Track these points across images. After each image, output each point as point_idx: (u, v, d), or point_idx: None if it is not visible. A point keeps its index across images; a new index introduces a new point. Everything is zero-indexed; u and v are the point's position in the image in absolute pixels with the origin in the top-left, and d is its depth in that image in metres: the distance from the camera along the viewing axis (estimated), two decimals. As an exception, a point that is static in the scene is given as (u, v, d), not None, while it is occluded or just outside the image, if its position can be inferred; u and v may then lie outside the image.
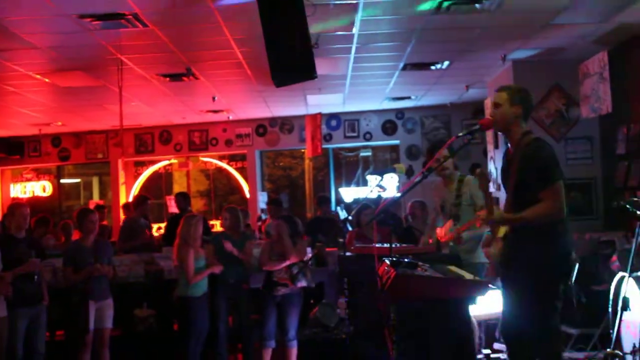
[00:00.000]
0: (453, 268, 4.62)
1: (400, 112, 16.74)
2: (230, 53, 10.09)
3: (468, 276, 4.33)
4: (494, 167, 12.39)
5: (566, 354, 8.02)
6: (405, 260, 4.37)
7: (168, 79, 11.61)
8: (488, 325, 8.15)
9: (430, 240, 7.72)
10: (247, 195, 17.88)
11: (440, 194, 7.56)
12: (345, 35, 9.38)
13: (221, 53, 10.10)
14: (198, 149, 17.73)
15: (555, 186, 4.89)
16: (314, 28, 8.09)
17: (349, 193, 17.05)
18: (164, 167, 18.81)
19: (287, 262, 8.19)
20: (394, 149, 17.64)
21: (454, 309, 5.10)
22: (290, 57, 6.99)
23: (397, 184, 13.46)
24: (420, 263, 4.40)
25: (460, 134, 4.93)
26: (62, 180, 19.50)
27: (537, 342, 5.03)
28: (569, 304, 8.75)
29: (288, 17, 7.00)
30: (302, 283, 8.23)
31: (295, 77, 7.28)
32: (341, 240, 9.72)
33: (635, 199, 6.56)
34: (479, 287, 4.18)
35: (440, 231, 7.35)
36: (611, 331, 6.47)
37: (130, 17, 8.10)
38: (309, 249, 8.88)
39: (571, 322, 8.95)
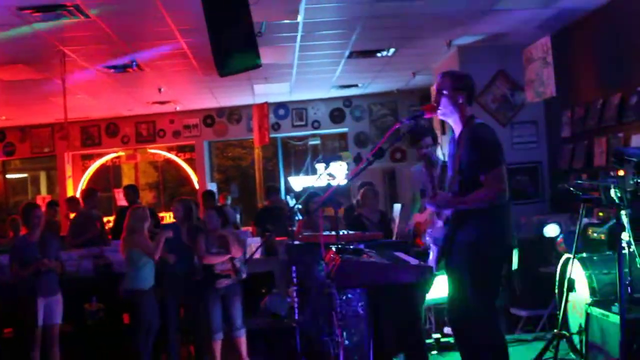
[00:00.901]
0: (400, 254, 4.64)
1: (347, 100, 16.76)
2: (174, 44, 10.01)
3: (413, 262, 4.36)
4: (442, 152, 12.46)
5: (515, 336, 8.11)
6: (351, 247, 4.38)
7: (112, 70, 11.47)
8: (438, 310, 8.21)
9: (407, 229, 7.75)
10: (197, 187, 17.78)
11: (420, 181, 7.56)
12: (290, 23, 9.35)
13: (165, 44, 10.01)
14: (145, 140, 17.57)
15: (497, 170, 4.93)
16: (258, 17, 8.05)
17: (299, 182, 17.04)
18: (112, 159, 18.59)
19: (230, 255, 8.16)
20: (342, 136, 17.66)
21: (400, 294, 5.15)
22: (234, 47, 6.95)
23: (346, 172, 13.49)
24: (365, 249, 4.41)
25: (405, 121, 4.94)
26: (7, 176, 19.19)
27: (479, 325, 5.08)
28: (514, 287, 8.88)
29: (231, 6, 6.96)
30: (244, 274, 8.27)
31: (239, 66, 7.24)
32: (291, 229, 9.71)
33: (580, 181, 6.63)
34: (424, 271, 4.20)
35: (420, 217, 7.37)
36: (558, 312, 6.55)
37: (71, 8, 7.98)
38: (255, 239, 8.87)
39: (520, 304, 9.08)
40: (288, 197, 16.18)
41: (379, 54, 11.75)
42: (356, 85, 15.21)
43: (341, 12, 9.05)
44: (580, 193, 6.39)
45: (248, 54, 7.09)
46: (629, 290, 5.63)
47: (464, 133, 5.08)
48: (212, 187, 17.27)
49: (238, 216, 14.87)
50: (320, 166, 13.32)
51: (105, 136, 17.60)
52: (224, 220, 8.43)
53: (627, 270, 5.72)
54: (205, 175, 17.62)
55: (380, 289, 4.30)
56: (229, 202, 15.23)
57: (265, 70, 11.82)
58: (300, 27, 9.58)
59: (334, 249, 4.27)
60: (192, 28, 9.16)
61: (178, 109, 16.35)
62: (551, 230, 8.56)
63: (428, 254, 5.51)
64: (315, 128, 16.99)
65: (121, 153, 18.33)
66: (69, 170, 17.83)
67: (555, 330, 6.48)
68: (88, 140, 17.64)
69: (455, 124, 5.18)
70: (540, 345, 6.65)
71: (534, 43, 10.28)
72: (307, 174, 18.14)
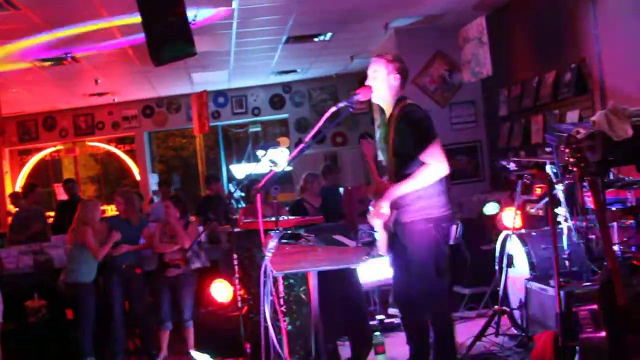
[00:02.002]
0: (338, 237, 4.65)
1: (287, 86, 16.72)
2: (109, 34, 9.87)
3: (352, 244, 4.37)
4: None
5: (459, 314, 8.20)
6: (288, 231, 4.38)
7: (47, 63, 11.28)
8: (382, 291, 8.27)
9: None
10: (138, 178, 17.61)
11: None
12: (225, 10, 9.28)
13: (100, 34, 9.86)
14: (84, 133, 17.31)
15: (433, 146, 4.97)
16: (192, 5, 7.98)
17: (240, 169, 16.98)
18: (51, 154, 18.28)
19: (179, 246, 8.11)
20: (283, 122, 17.62)
21: (341, 276, 5.17)
22: (168, 36, 6.89)
23: (294, 158, 13.44)
24: (305, 234, 4.42)
25: (340, 105, 4.94)
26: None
27: (426, 304, 5.13)
28: (457, 265, 8.96)
29: (164, -6, 6.90)
30: (197, 264, 8.22)
31: (174, 55, 7.17)
32: (234, 217, 9.69)
33: (516, 158, 6.70)
34: (362, 254, 4.21)
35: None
36: (499, 289, 6.63)
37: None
38: (201, 229, 8.80)
39: (463, 283, 9.17)
40: (230, 185, 16.13)
41: (316, 39, 11.73)
42: (295, 71, 15.17)
43: (276, -3, 9.03)
44: (515, 170, 6.46)
45: (182, 43, 7.02)
46: (567, 264, 5.72)
47: (395, 114, 5.11)
48: (154, 178, 17.13)
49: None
50: (261, 153, 13.29)
51: (43, 130, 17.29)
52: (183, 210, 8.37)
53: (564, 244, 5.82)
54: (147, 166, 17.44)
55: (321, 272, 4.31)
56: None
57: (203, 59, 11.73)
58: (235, 14, 9.51)
59: (272, 234, 4.27)
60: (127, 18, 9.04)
61: (116, 100, 16.14)
62: (491, 208, 8.65)
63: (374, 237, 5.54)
64: (256, 115, 16.90)
65: (60, 147, 18.04)
66: (6, 166, 17.49)
67: (496, 307, 6.56)
68: (25, 135, 17.31)
69: (386, 106, 5.21)
70: (483, 322, 6.72)
71: (470, 23, 10.36)
72: (248, 161, 18.10)
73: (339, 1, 9.45)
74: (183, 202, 8.49)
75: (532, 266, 6.30)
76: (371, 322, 7.31)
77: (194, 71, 13.47)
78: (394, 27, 11.27)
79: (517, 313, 6.63)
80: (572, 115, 8.55)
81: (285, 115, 16.99)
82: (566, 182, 4.48)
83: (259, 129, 18.51)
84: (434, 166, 4.97)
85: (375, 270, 7.73)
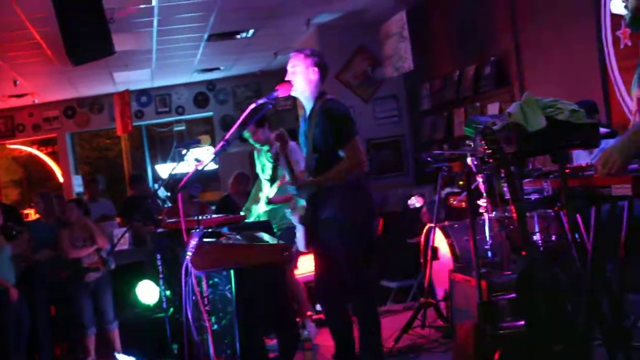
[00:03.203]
0: (261, 234, 4.64)
1: (211, 84, 16.59)
2: (26, 34, 9.66)
3: (272, 241, 4.36)
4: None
5: (386, 307, 8.25)
6: (209, 230, 4.35)
7: (-39, 64, 11.04)
8: (311, 287, 8.26)
9: None
10: (61, 180, 17.30)
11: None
12: (145, 8, 9.17)
13: (17, 34, 9.65)
14: (4, 136, 16.90)
15: (353, 141, 5.01)
16: (110, 3, 7.87)
17: (166, 169, 16.82)
18: (-31, 158, 17.91)
19: (96, 247, 8.00)
20: (208, 121, 17.50)
21: (264, 273, 5.16)
22: (86, 34, 6.77)
23: (214, 156, 13.36)
24: (227, 232, 4.39)
25: (260, 101, 4.92)
26: None
27: (349, 298, 5.15)
28: (381, 259, 9.02)
29: (80, -8, 6.78)
30: (113, 265, 8.14)
31: (92, 54, 7.06)
32: (158, 217, 9.59)
33: (438, 152, 6.76)
34: (284, 251, 4.20)
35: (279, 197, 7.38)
36: (424, 281, 6.69)
37: None
38: (119, 230, 8.72)
39: (390, 276, 9.23)
40: (156, 185, 15.97)
41: (238, 36, 11.68)
42: (219, 69, 15.08)
43: (196, -6, 8.96)
44: (436, 163, 6.52)
45: (100, 42, 6.92)
46: (489, 254, 5.80)
47: (316, 109, 5.12)
48: (78, 180, 16.85)
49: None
50: (183, 151, 13.15)
51: (-40, 134, 16.89)
52: (85, 212, 8.25)
53: (486, 235, 5.90)
54: (70, 168, 17.13)
55: (244, 270, 4.29)
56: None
57: (124, 57, 11.58)
58: (155, 12, 9.40)
59: (193, 233, 4.24)
60: (44, 17, 8.83)
61: (36, 101, 15.78)
62: (415, 201, 8.72)
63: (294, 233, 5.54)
64: (180, 114, 16.73)
65: (-21, 151, 17.66)
66: None
67: (421, 299, 6.62)
68: (-59, 140, 16.90)
69: (307, 101, 5.22)
70: (410, 314, 6.77)
71: (391, 19, 10.43)
72: (174, 160, 17.92)
73: (260, -3, 9.44)
74: (85, 204, 8.40)
75: (455, 258, 6.37)
76: (299, 319, 7.30)
77: (115, 70, 13.27)
78: (316, 24, 11.28)
79: (443, 304, 6.70)
80: (493, 108, 8.69)
81: (209, 114, 16.86)
82: (484, 173, 4.53)
83: (183, 127, 18.33)
84: (353, 162, 5.00)
85: (302, 266, 7.73)
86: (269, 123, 7.03)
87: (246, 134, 6.93)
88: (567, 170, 4.15)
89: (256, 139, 6.89)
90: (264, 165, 7.27)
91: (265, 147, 7.08)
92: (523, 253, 3.78)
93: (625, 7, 3.95)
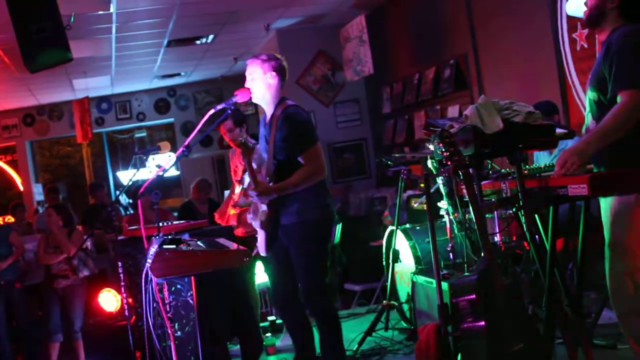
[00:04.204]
0: (222, 240, 4.63)
1: (171, 90, 16.53)
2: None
3: (233, 247, 4.35)
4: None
5: (350, 311, 8.27)
6: (169, 237, 4.33)
7: None
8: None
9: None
10: (22, 189, 17.11)
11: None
12: (103, 14, 9.12)
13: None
14: (-38, 145, 16.76)
15: (314, 148, 5.01)
16: (67, 9, 7.81)
17: (127, 176, 16.69)
18: None
19: (65, 255, 7.93)
20: (169, 127, 17.43)
21: (225, 279, 5.15)
22: (42, 41, 6.70)
23: (175, 162, 13.30)
24: (187, 238, 4.38)
25: (219, 107, 4.91)
26: None
27: (310, 303, 5.16)
28: (344, 262, 9.05)
29: (36, -1, 6.71)
30: (85, 273, 8.05)
31: (49, 61, 6.97)
32: (121, 224, 9.53)
33: (397, 154, 6.79)
34: (242, 256, 4.19)
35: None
36: (387, 284, 6.71)
37: None
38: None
39: (353, 280, 9.26)
40: (117, 192, 15.86)
41: (198, 42, 11.66)
42: (179, 74, 15.04)
43: (154, 0, 8.89)
44: (396, 166, 6.55)
45: (57, 48, 6.84)
46: (451, 256, 5.83)
47: (276, 115, 5.12)
48: (38, 188, 16.68)
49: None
50: (149, 158, 13.11)
51: None
52: (66, 218, 8.16)
53: (447, 237, 5.93)
54: (30, 176, 16.96)
55: (205, 276, 4.28)
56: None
57: (83, 64, 11.53)
58: (114, 18, 9.35)
59: (153, 240, 4.22)
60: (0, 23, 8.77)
61: (-6, 109, 15.67)
62: (377, 204, 8.75)
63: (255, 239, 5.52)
64: (141, 120, 16.66)
65: None
66: None
67: (384, 302, 6.64)
68: None
69: (267, 107, 5.21)
70: (373, 317, 6.78)
71: (350, 23, 10.46)
72: (135, 167, 17.81)
73: (219, 3, 9.40)
74: (66, 209, 8.30)
75: (417, 260, 6.39)
76: (262, 324, 7.30)
77: (75, 77, 13.18)
78: (275, 28, 11.29)
79: (405, 307, 6.72)
80: (453, 110, 8.74)
81: (170, 120, 16.80)
82: (442, 176, 4.56)
83: (144, 134, 18.24)
84: (313, 169, 5.01)
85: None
86: (247, 125, 6.98)
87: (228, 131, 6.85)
88: (525, 172, 4.19)
89: (232, 137, 6.85)
90: (237, 167, 7.24)
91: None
92: (483, 254, 3.80)
93: (585, 4, 4.00)
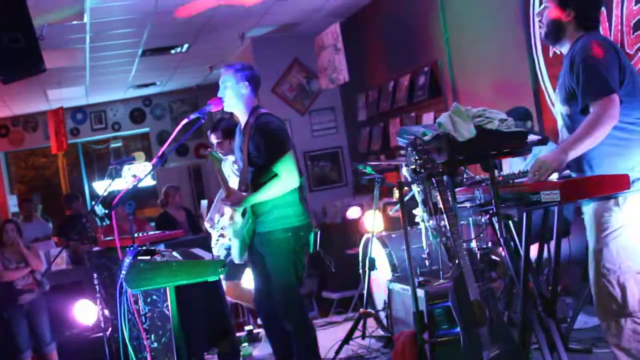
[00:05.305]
0: (197, 250, 4.62)
1: (147, 99, 16.46)
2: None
3: (207, 257, 4.35)
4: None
5: (327, 319, 8.27)
6: (143, 247, 4.32)
7: None
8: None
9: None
10: (-4, 200, 16.99)
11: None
12: (77, 25, 9.07)
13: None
14: (-64, 156, 16.60)
15: (286, 157, 5.02)
16: (40, 20, 7.77)
17: (103, 186, 16.59)
18: None
19: (30, 269, 7.86)
20: (145, 136, 17.36)
21: (201, 289, 5.13)
22: (15, 51, 6.65)
23: (150, 171, 13.25)
24: (161, 249, 4.37)
25: (192, 116, 4.92)
26: None
27: (286, 313, 5.16)
28: (322, 271, 9.04)
29: (8, 9, 6.66)
30: (48, 285, 8.01)
31: (22, 72, 6.93)
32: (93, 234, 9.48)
33: (374, 163, 6.80)
34: (217, 266, 4.19)
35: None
36: (364, 292, 6.71)
37: None
38: (56, 250, 8.59)
39: (331, 288, 9.25)
40: (93, 203, 15.76)
41: (173, 51, 11.63)
42: (154, 84, 14.99)
43: (128, 10, 8.86)
44: (370, 173, 6.56)
45: (30, 59, 6.79)
46: (427, 263, 5.85)
47: (250, 124, 5.13)
48: (13, 199, 16.56)
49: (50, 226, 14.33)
50: (125, 168, 13.04)
51: None
52: (20, 233, 8.10)
53: (423, 244, 5.95)
54: (4, 187, 16.82)
55: (180, 286, 4.26)
56: (39, 213, 14.71)
57: (57, 75, 11.47)
58: (88, 28, 9.31)
59: (128, 251, 4.20)
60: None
61: (-32, 121, 15.55)
62: (353, 212, 8.76)
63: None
64: (116, 130, 16.58)
65: None
66: None
67: (361, 309, 6.64)
68: None
69: (240, 116, 5.23)
70: (350, 325, 6.78)
71: (325, 31, 10.48)
72: (110, 178, 17.72)
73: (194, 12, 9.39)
74: (17, 224, 8.26)
75: (393, 267, 6.39)
76: (240, 333, 7.28)
77: (49, 88, 13.11)
78: (250, 37, 11.28)
79: (382, 314, 6.72)
80: (428, 117, 8.77)
81: (146, 129, 16.74)
82: (416, 183, 4.58)
83: (120, 144, 18.17)
84: (286, 178, 5.02)
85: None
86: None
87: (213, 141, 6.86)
88: (499, 178, 4.21)
89: (221, 148, 6.85)
90: (228, 177, 7.22)
91: (232, 158, 7.01)
92: (457, 261, 3.81)
93: (540, 22, 4.04)
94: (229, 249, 6.27)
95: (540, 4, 4.15)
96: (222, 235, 6.64)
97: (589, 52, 3.75)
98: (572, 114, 3.88)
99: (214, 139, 6.82)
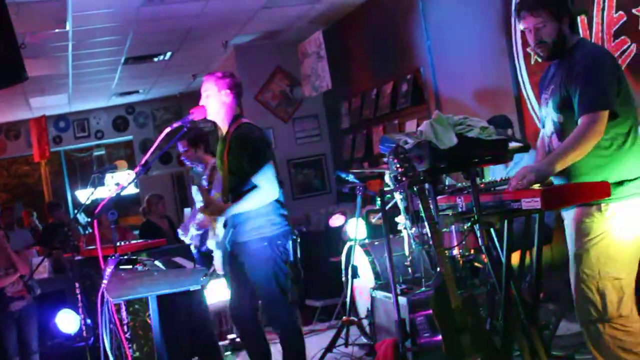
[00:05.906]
0: (179, 259, 4.61)
1: (130, 107, 16.42)
2: None
3: (189, 266, 4.34)
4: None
5: (310, 327, 8.26)
6: (125, 257, 4.31)
7: None
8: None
9: None
10: (-22, 208, 16.89)
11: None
12: (59, 33, 9.04)
13: None
14: None
15: (266, 168, 5.01)
16: (22, 28, 7.74)
17: (86, 195, 16.55)
18: None
19: (19, 274, 7.81)
20: (128, 145, 17.31)
21: (183, 298, 5.11)
22: (-4, 60, 6.62)
23: (133, 179, 13.21)
24: (142, 258, 4.36)
25: (175, 125, 4.90)
26: None
27: (271, 320, 5.16)
28: (303, 278, 9.01)
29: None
30: (38, 291, 7.95)
31: (3, 80, 6.90)
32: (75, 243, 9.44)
33: (356, 170, 6.80)
34: (199, 275, 4.18)
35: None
36: (347, 299, 6.70)
37: None
38: (37, 258, 8.53)
39: (314, 296, 9.24)
40: (76, 211, 15.71)
41: (155, 59, 11.61)
42: (137, 92, 14.95)
43: (110, 18, 8.85)
44: (352, 181, 6.56)
45: (12, 68, 6.76)
46: (409, 271, 5.86)
47: (230, 133, 5.13)
48: (-6, 207, 16.46)
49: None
50: (108, 177, 13.00)
51: None
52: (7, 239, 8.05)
53: (406, 251, 5.96)
54: (-13, 196, 16.77)
55: (162, 295, 4.25)
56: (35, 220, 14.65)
57: (40, 83, 11.43)
58: (70, 36, 9.29)
59: (109, 260, 4.19)
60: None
61: (-50, 128, 15.46)
62: (336, 220, 8.74)
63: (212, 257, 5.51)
64: (99, 138, 16.52)
65: None
66: None
67: (344, 317, 6.63)
68: None
69: (222, 124, 5.23)
70: (334, 333, 6.77)
71: (308, 38, 10.49)
72: (93, 186, 17.66)
73: (176, 20, 9.37)
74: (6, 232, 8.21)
75: (376, 275, 6.40)
76: (222, 342, 7.26)
77: (31, 96, 13.05)
78: (233, 45, 11.27)
79: (365, 322, 6.72)
80: (411, 125, 8.79)
81: (129, 137, 16.69)
82: (398, 191, 4.59)
83: (103, 152, 18.12)
84: (265, 189, 5.01)
85: (225, 290, 7.68)
86: (206, 145, 6.98)
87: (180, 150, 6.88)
88: (481, 185, 4.22)
89: (187, 156, 6.86)
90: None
91: (200, 167, 7.01)
92: (439, 269, 3.81)
93: (537, 45, 4.00)
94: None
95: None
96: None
97: (590, 63, 3.76)
98: (566, 122, 3.88)
99: (180, 147, 6.84)
